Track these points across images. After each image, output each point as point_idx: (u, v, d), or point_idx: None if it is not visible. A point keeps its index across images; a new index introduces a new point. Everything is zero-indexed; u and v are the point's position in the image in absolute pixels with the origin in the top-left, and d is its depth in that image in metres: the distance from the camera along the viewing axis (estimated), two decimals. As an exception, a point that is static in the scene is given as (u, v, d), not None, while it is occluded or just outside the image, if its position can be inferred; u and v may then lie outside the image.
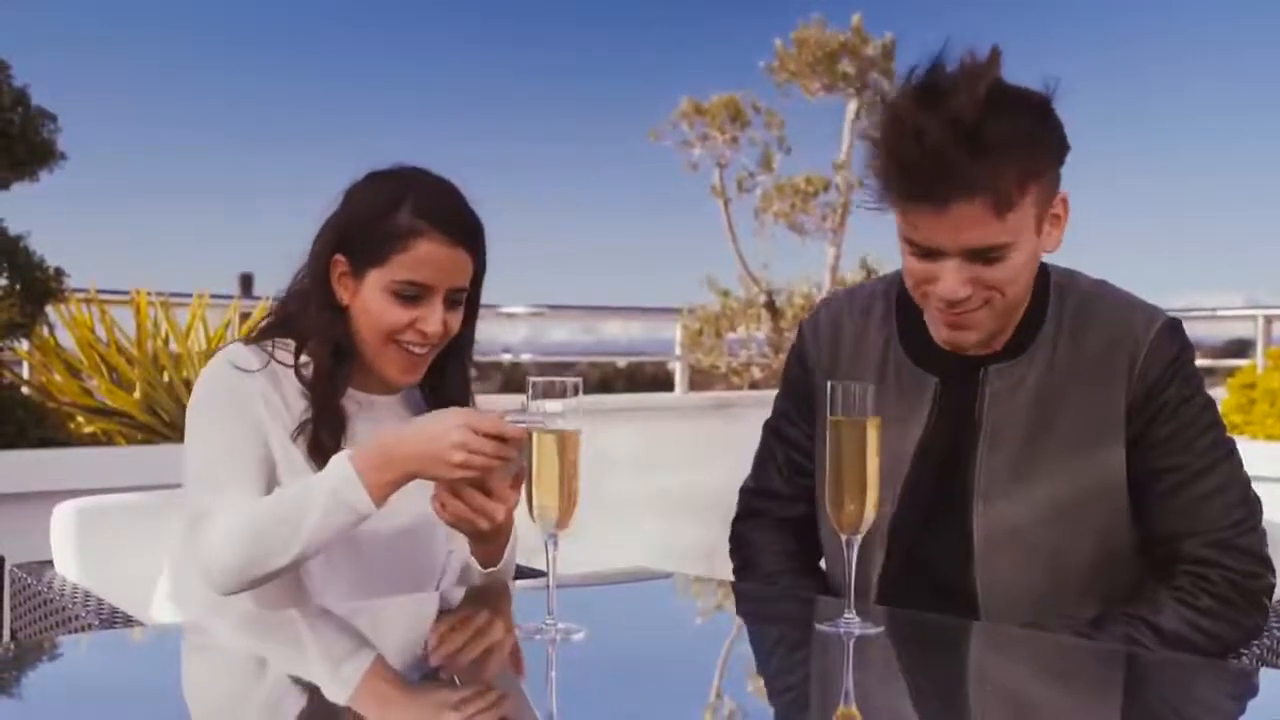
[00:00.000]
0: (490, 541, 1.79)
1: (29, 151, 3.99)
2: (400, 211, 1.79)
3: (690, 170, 11.40)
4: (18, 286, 4.00)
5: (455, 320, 1.84)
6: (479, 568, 1.82)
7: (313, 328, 1.83)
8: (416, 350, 1.81)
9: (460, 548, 1.89)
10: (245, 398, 1.79)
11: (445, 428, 1.64)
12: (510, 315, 7.55)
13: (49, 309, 4.23)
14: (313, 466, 1.78)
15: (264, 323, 1.92)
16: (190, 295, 4.78)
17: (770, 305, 10.29)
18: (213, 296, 4.85)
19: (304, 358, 1.84)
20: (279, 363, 1.83)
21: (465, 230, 1.83)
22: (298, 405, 1.82)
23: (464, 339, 1.90)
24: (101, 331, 4.44)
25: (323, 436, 1.80)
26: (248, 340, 1.87)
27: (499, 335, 7.90)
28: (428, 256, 1.78)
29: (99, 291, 4.55)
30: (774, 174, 11.17)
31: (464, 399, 1.91)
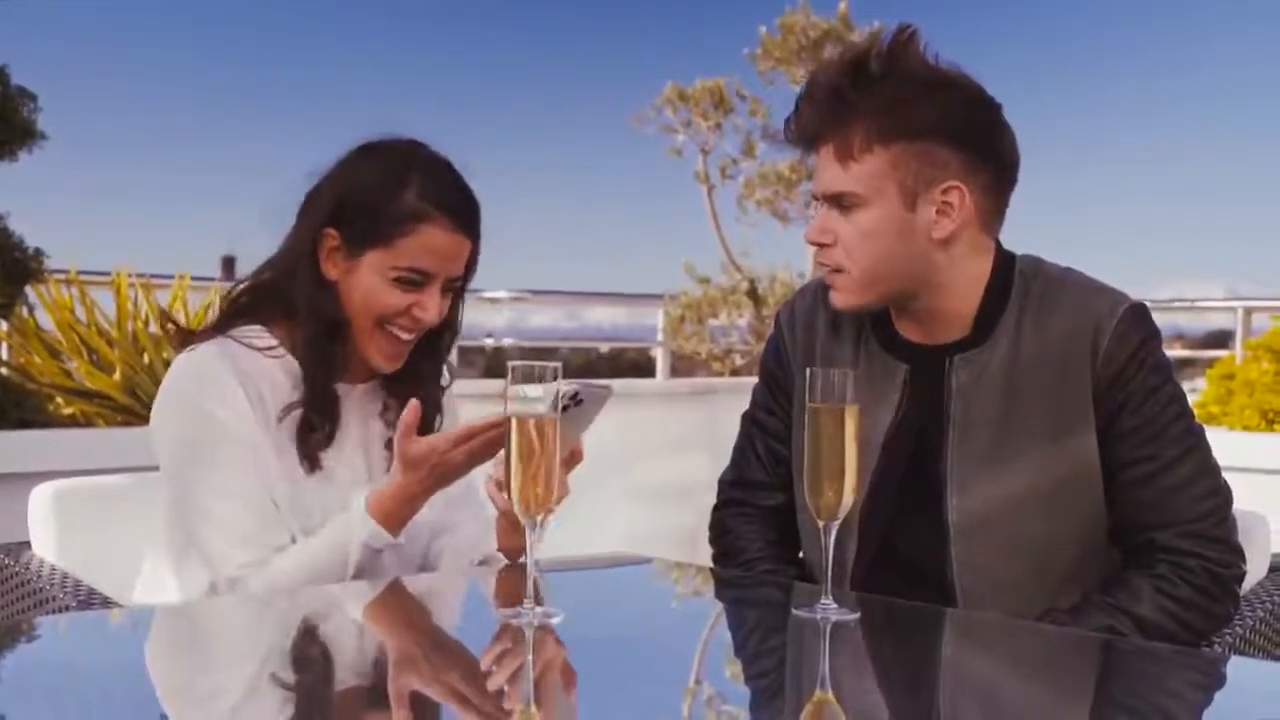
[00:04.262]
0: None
1: (9, 131, 3.95)
2: (407, 192, 1.74)
3: (674, 156, 11.37)
4: (-3, 267, 3.98)
5: (447, 307, 1.81)
6: (504, 560, 1.83)
7: (300, 303, 1.77)
8: (405, 336, 1.78)
9: (475, 541, 1.89)
10: (230, 429, 1.71)
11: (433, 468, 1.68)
12: (493, 300, 7.51)
13: (29, 290, 4.20)
14: (297, 450, 1.75)
15: (240, 297, 1.84)
16: (172, 277, 4.75)
17: (752, 292, 10.29)
18: (194, 279, 4.83)
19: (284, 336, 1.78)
20: (256, 350, 1.76)
21: (470, 217, 1.79)
22: (281, 389, 1.76)
23: (445, 330, 1.86)
24: (82, 313, 4.41)
25: (314, 420, 1.76)
26: (215, 328, 1.80)
27: (481, 320, 7.88)
28: (433, 243, 1.74)
29: (79, 273, 4.51)
30: (757, 161, 11.15)
31: (433, 394, 1.87)
